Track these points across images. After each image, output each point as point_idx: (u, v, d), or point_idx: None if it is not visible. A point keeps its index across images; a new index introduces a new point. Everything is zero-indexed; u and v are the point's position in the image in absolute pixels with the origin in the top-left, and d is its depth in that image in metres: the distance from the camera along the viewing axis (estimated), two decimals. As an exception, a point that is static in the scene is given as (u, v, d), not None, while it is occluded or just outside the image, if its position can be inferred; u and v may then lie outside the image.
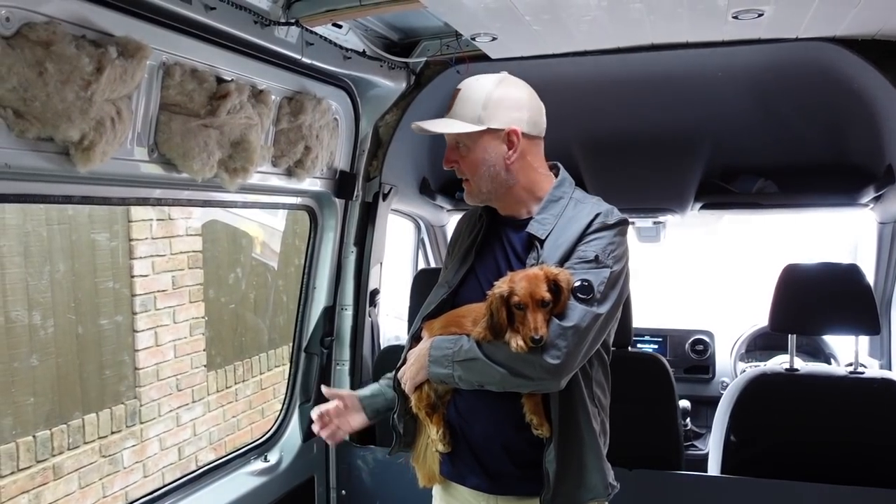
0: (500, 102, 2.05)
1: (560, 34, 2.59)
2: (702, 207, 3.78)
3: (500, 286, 1.91)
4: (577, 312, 1.89)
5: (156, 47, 1.97)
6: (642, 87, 3.22)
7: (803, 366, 3.01)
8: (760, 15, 2.36)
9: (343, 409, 2.26)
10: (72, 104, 1.72)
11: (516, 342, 1.87)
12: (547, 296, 1.86)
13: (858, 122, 3.19)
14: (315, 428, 2.27)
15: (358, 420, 2.27)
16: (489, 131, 2.04)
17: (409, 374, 2.10)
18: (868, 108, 3.03)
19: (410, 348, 2.16)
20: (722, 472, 2.89)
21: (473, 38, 2.65)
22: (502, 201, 2.13)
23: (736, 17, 2.39)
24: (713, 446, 3.04)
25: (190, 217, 5.43)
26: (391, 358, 2.51)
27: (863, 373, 2.83)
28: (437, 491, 2.29)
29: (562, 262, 1.96)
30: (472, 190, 2.11)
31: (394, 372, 2.20)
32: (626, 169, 3.62)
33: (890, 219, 3.69)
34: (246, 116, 2.31)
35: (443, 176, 3.95)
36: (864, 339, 4.00)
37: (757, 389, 2.84)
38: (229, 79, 2.28)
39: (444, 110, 2.14)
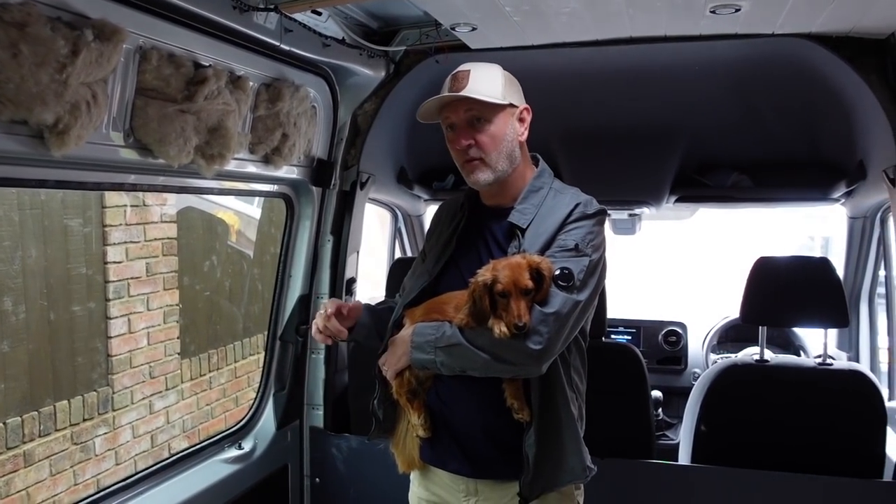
0: (512, 82, 2.15)
1: (539, 26, 2.60)
2: (677, 200, 3.82)
3: (483, 274, 1.94)
4: (558, 299, 1.93)
5: (132, 31, 1.95)
6: (620, 80, 3.25)
7: (773, 357, 3.06)
8: (737, 10, 2.39)
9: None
10: (46, 87, 1.70)
11: (499, 328, 1.90)
12: (530, 284, 1.90)
13: (831, 119, 3.24)
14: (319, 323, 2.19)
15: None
16: (510, 107, 2.10)
17: (390, 360, 2.12)
18: (841, 105, 3.07)
19: (392, 335, 2.17)
20: (692, 461, 2.93)
21: (453, 28, 2.65)
22: (504, 185, 2.14)
23: (713, 12, 2.42)
24: (684, 436, 3.08)
25: (165, 204, 5.37)
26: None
27: (831, 364, 2.88)
28: (415, 477, 2.31)
29: (543, 251, 2.00)
30: (485, 169, 2.09)
31: (375, 358, 2.21)
32: (602, 161, 3.64)
33: (860, 214, 3.76)
34: (223, 102, 2.29)
35: (420, 166, 3.95)
36: (833, 332, 4.09)
37: (727, 380, 2.89)
38: (207, 64, 2.26)
39: (424, 98, 2.14)
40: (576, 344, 2.10)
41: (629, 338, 4.59)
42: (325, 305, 2.19)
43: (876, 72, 2.73)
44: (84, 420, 4.74)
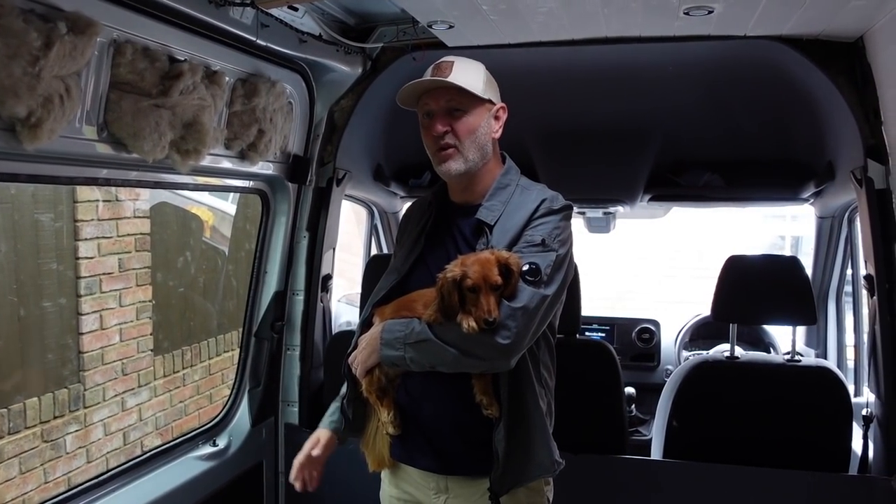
0: (492, 81, 2.19)
1: (516, 24, 2.62)
2: (651, 199, 3.86)
3: (452, 269, 1.95)
4: (525, 294, 1.95)
5: (107, 24, 1.93)
6: (596, 80, 3.27)
7: (743, 354, 3.11)
8: (710, 12, 2.42)
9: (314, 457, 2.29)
10: (19, 80, 1.68)
11: (468, 323, 1.91)
12: (499, 279, 1.91)
13: (802, 120, 3.29)
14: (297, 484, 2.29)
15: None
16: (488, 103, 2.14)
17: (360, 358, 2.12)
18: (811, 107, 3.13)
19: (361, 334, 2.17)
20: (664, 457, 2.97)
21: (430, 26, 2.66)
22: (473, 180, 2.16)
23: (687, 14, 2.45)
24: (656, 432, 3.12)
25: (138, 199, 5.31)
26: (342, 344, 2.51)
27: (799, 361, 2.93)
28: (385, 475, 2.31)
29: (510, 247, 2.02)
30: (458, 158, 2.10)
31: (345, 358, 2.21)
32: (578, 160, 3.66)
33: (828, 214, 3.82)
34: (199, 97, 2.28)
35: (397, 163, 3.95)
36: (801, 329, 4.16)
37: (698, 377, 2.93)
38: (182, 59, 2.25)
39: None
40: (544, 339, 2.12)
41: (603, 335, 4.63)
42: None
43: (845, 74, 2.78)
44: (55, 417, 4.68)
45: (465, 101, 2.09)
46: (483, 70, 2.16)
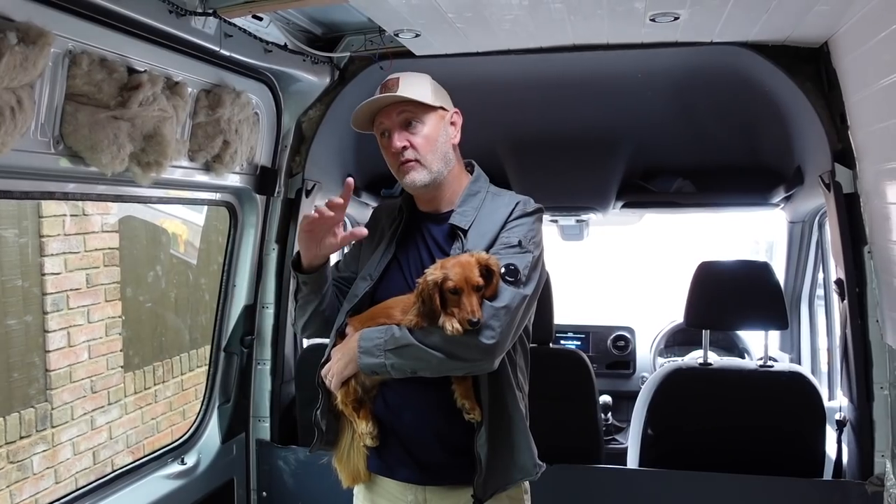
0: (440, 89, 2.20)
1: (483, 32, 2.60)
2: (623, 206, 3.87)
3: (433, 273, 1.95)
4: (507, 294, 1.96)
5: (61, 34, 1.89)
6: (565, 87, 3.27)
7: (717, 360, 3.11)
8: (676, 18, 2.43)
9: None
10: (-33, 92, 1.63)
11: (452, 325, 1.90)
12: (481, 280, 1.92)
13: (770, 125, 3.31)
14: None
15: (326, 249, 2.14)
16: (441, 110, 2.15)
17: (335, 368, 2.08)
18: (778, 112, 3.15)
19: (335, 344, 2.14)
20: (640, 465, 2.96)
21: (397, 35, 2.64)
22: (439, 189, 2.16)
23: (653, 20, 2.45)
24: (632, 440, 3.11)
25: (106, 213, 5.23)
26: (314, 356, 2.47)
27: (772, 366, 2.93)
28: (359, 490, 2.27)
29: (487, 250, 2.03)
30: (421, 169, 2.11)
31: (318, 370, 2.17)
32: (549, 168, 3.66)
33: (799, 218, 3.85)
34: (160, 109, 2.24)
35: (368, 173, 3.91)
36: (775, 334, 4.18)
37: (672, 384, 2.92)
38: (142, 69, 2.20)
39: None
40: (520, 343, 2.13)
41: (578, 343, 4.62)
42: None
43: (811, 79, 2.80)
44: (21, 438, 4.57)
45: (417, 111, 2.11)
46: (429, 80, 2.18)
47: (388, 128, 2.13)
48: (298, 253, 2.18)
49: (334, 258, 2.36)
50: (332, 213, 2.07)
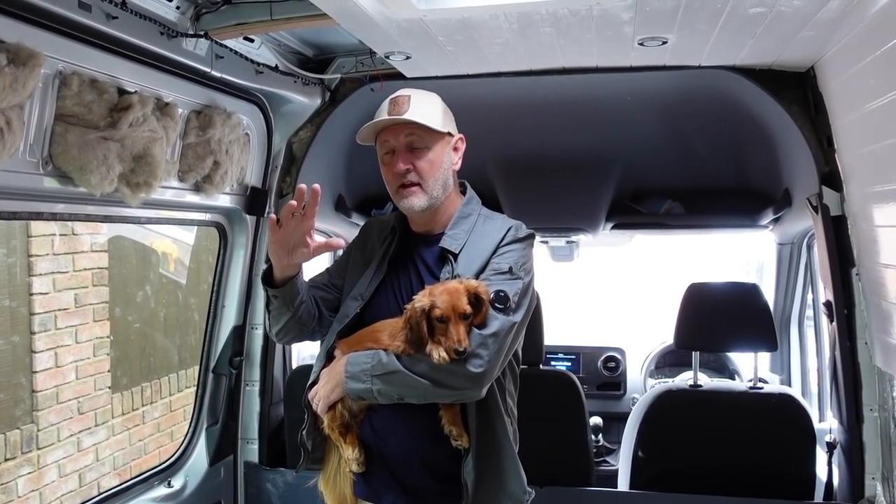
0: (448, 112, 2.17)
1: (473, 55, 2.62)
2: (613, 227, 3.87)
3: (421, 300, 1.93)
4: (496, 322, 1.94)
5: (51, 55, 1.89)
6: (555, 110, 3.29)
7: (707, 381, 3.11)
8: (664, 42, 2.45)
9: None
10: (-45, 113, 1.63)
11: (439, 354, 1.89)
12: (468, 309, 1.90)
13: (757, 148, 3.33)
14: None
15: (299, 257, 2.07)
16: (448, 136, 2.13)
17: (322, 392, 2.07)
18: (766, 135, 3.17)
19: (323, 366, 2.12)
20: (631, 487, 2.94)
21: (387, 57, 2.65)
22: (435, 213, 2.14)
23: (642, 44, 2.47)
24: (622, 462, 3.09)
25: (96, 233, 5.20)
26: (303, 378, 2.45)
27: (762, 388, 2.93)
28: (344, 515, 2.24)
29: (478, 275, 2.02)
30: (421, 195, 2.09)
31: (304, 392, 2.15)
32: (540, 189, 3.67)
33: (788, 240, 3.87)
34: (150, 129, 2.24)
35: (359, 193, 3.92)
36: (765, 356, 4.17)
37: (662, 405, 2.91)
38: (132, 90, 2.21)
39: (361, 126, 2.13)
40: (510, 368, 2.12)
41: (569, 364, 4.61)
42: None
43: (798, 103, 2.83)
44: (6, 460, 4.51)
45: (425, 135, 2.08)
46: (440, 102, 2.15)
47: (394, 146, 2.10)
48: (270, 267, 2.13)
49: (322, 265, 2.34)
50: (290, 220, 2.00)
